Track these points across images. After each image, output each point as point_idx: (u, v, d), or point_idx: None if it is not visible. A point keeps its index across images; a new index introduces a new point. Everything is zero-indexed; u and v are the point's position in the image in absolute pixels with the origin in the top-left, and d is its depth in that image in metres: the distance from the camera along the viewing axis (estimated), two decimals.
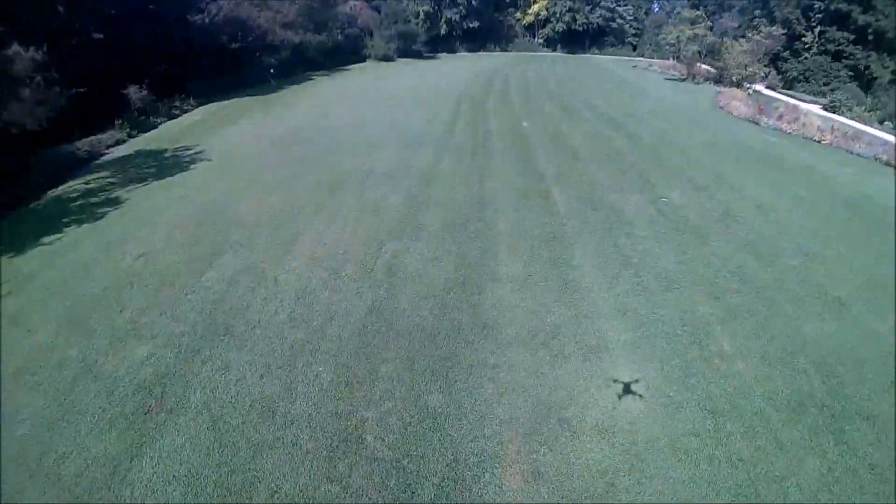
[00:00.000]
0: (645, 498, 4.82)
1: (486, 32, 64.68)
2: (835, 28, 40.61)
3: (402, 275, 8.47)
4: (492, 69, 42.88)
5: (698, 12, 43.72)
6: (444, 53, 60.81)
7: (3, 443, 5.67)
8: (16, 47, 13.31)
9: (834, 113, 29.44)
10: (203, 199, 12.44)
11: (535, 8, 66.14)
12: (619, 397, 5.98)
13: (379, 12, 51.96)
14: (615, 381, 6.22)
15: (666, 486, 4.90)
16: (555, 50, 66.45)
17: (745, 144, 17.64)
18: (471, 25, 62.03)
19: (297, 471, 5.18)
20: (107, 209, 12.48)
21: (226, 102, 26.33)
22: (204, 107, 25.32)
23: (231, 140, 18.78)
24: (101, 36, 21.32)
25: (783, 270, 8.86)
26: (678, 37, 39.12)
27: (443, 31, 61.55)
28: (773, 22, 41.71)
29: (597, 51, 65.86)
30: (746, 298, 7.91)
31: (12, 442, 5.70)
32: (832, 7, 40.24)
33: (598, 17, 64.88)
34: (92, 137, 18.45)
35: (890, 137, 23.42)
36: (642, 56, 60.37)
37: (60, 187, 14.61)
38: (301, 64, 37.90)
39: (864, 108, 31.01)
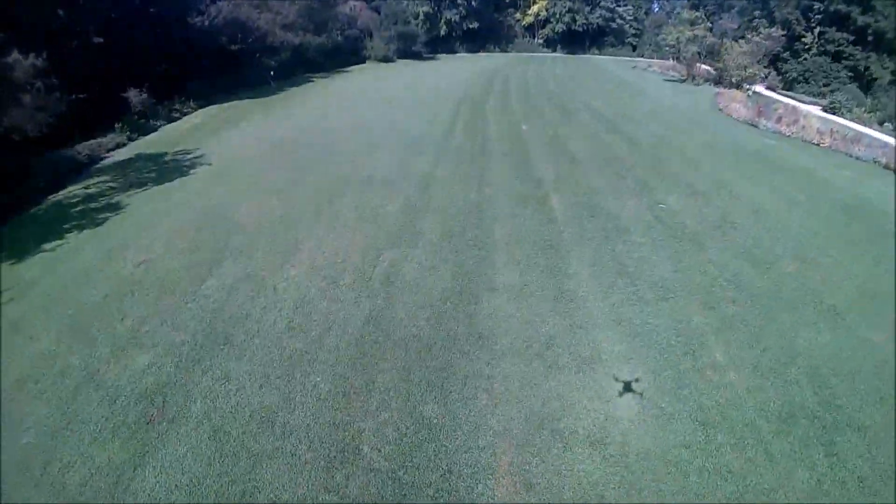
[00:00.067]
0: None
1: (485, 33, 64.72)
2: (834, 29, 40.61)
3: (400, 284, 8.56)
4: (492, 70, 42.94)
5: (698, 13, 43.69)
6: (444, 54, 60.86)
7: (10, 452, 5.77)
8: (16, 55, 13.39)
9: (834, 114, 29.47)
10: (203, 205, 12.53)
11: (535, 8, 66.18)
12: (620, 395, 6.19)
13: (379, 13, 52.02)
14: (616, 379, 6.42)
15: (655, 499, 4.99)
16: (554, 50, 66.48)
17: (743, 148, 17.70)
18: (470, 26, 62.08)
19: (295, 481, 5.28)
20: (107, 214, 12.58)
21: (226, 105, 26.41)
22: (204, 109, 25.41)
23: (231, 143, 18.88)
24: (101, 39, 21.41)
25: (779, 277, 8.93)
26: (678, 38, 39.12)
27: (442, 32, 61.61)
28: (772, 23, 41.73)
29: (596, 51, 65.90)
30: (741, 307, 7.99)
31: (17, 450, 5.80)
32: (832, 8, 40.24)
33: (597, 18, 64.90)
34: (92, 141, 18.57)
35: (889, 139, 23.43)
36: (642, 56, 60.37)
37: (61, 192, 14.72)
38: (301, 65, 37.97)
39: (863, 109, 31.03)
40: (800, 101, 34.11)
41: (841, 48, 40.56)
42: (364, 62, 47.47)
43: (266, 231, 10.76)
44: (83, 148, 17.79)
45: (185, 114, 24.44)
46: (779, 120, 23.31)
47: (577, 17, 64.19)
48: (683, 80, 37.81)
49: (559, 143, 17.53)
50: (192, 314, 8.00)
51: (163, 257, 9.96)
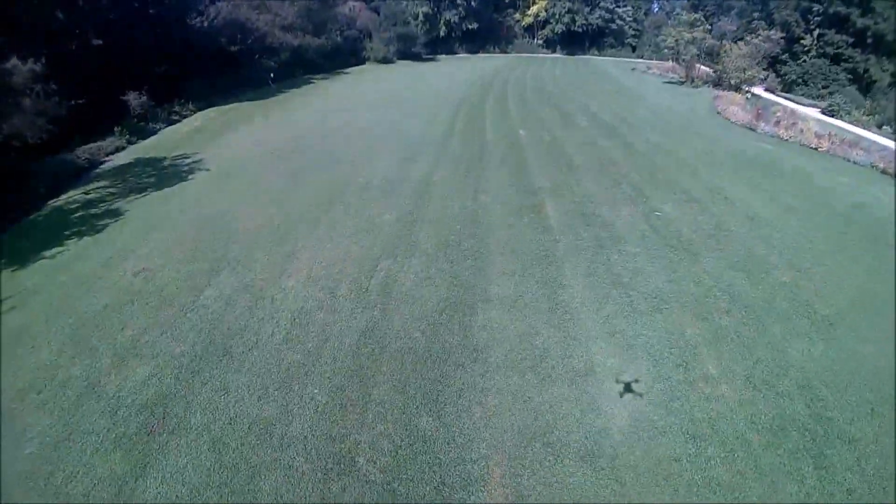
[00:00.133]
0: None
1: (485, 34, 64.76)
2: (833, 31, 40.57)
3: (396, 295, 8.66)
4: (491, 72, 43.01)
5: (697, 15, 43.70)
6: (444, 55, 60.94)
7: (14, 462, 5.88)
8: (14, 61, 13.48)
9: (832, 117, 29.55)
10: (201, 212, 12.62)
11: (535, 9, 66.14)
12: (621, 395, 6.43)
13: (378, 14, 52.08)
14: (617, 380, 6.65)
15: None
16: (554, 51, 66.47)
17: (741, 153, 17.76)
18: (470, 27, 62.09)
19: (293, 492, 5.40)
20: (107, 221, 12.68)
21: (225, 107, 26.49)
22: (203, 111, 25.49)
23: (230, 148, 18.96)
24: (101, 41, 21.49)
25: (773, 287, 8.99)
26: (677, 40, 39.18)
27: (442, 33, 61.64)
28: (771, 25, 41.74)
29: (596, 52, 65.89)
30: (734, 319, 8.07)
31: (21, 461, 5.91)
32: (831, 10, 40.22)
33: (597, 19, 64.84)
34: (92, 145, 18.66)
35: (888, 143, 23.52)
36: (641, 57, 60.43)
37: (62, 197, 14.82)
38: (300, 66, 38.06)
39: (862, 111, 31.09)
40: (799, 103, 34.21)
41: (840, 50, 40.55)
42: (363, 63, 47.55)
43: (264, 240, 10.85)
44: (83, 152, 17.87)
45: (185, 116, 24.53)
46: (777, 123, 23.39)
47: (577, 18, 64.16)
48: (683, 83, 37.87)
49: (556, 148, 17.61)
50: (191, 325, 8.10)
51: (162, 266, 10.05)
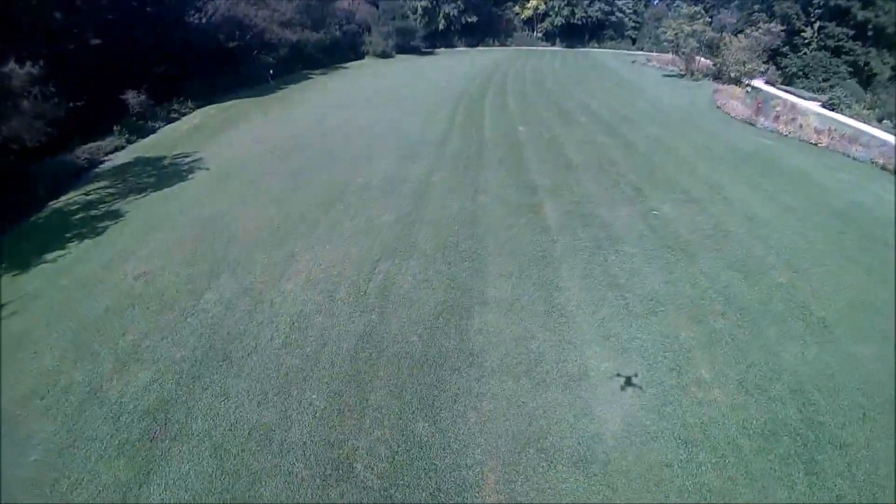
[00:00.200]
0: None
1: (484, 27, 64.39)
2: (834, 24, 40.38)
3: (394, 298, 8.73)
4: (490, 65, 42.78)
5: (697, 7, 43.39)
6: (443, 49, 60.63)
7: (19, 469, 6.00)
8: (12, 64, 13.48)
9: (833, 110, 29.45)
10: (201, 214, 12.69)
11: (534, 2, 65.72)
12: (622, 388, 6.64)
13: (377, 8, 51.73)
14: (618, 375, 6.88)
15: None
16: (554, 44, 66.08)
17: (740, 149, 17.71)
18: (469, 20, 61.72)
19: (293, 499, 5.51)
20: (107, 223, 12.76)
21: (224, 104, 26.44)
22: (202, 109, 25.45)
23: (229, 146, 18.98)
24: (99, 41, 21.44)
25: (769, 289, 8.98)
26: (677, 32, 38.91)
27: (441, 26, 61.27)
28: (772, 17, 41.46)
29: (596, 45, 65.53)
30: (729, 321, 8.11)
31: (27, 468, 6.02)
32: (831, 2, 39.97)
33: (596, 11, 64.42)
34: (91, 144, 18.70)
35: (888, 137, 23.44)
36: (641, 50, 60.03)
37: (62, 198, 14.90)
38: (299, 62, 37.91)
39: (863, 105, 30.99)
40: (799, 96, 34.07)
41: (841, 43, 40.35)
42: (363, 58, 47.32)
43: (263, 242, 10.91)
44: (82, 152, 17.92)
45: (184, 114, 24.51)
46: (777, 118, 23.31)
47: (576, 11, 63.76)
48: (683, 75, 37.69)
49: (555, 146, 17.58)
50: (191, 329, 8.19)
51: (162, 269, 10.14)
